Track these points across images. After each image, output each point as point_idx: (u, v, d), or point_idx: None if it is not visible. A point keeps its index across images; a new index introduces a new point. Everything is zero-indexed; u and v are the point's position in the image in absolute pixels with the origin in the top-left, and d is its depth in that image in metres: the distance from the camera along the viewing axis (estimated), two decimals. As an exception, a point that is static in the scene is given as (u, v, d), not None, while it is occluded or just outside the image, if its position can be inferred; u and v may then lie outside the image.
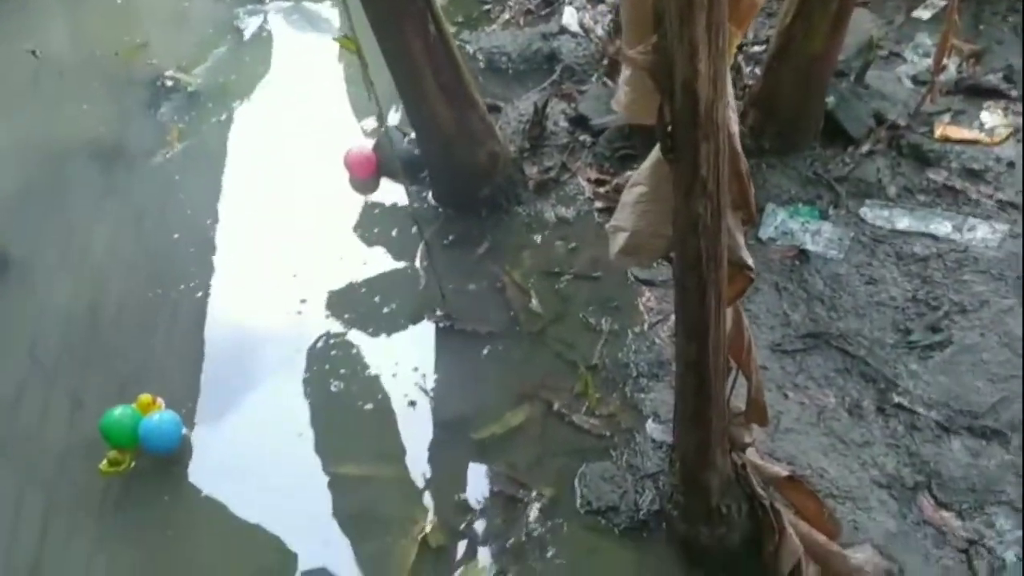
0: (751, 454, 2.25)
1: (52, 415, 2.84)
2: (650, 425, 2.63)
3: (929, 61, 3.62)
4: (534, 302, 3.08)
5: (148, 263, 3.44)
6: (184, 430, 2.68)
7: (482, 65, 4.20)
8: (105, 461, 2.58)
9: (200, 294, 3.27)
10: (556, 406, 2.72)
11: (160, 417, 2.60)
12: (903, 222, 3.09)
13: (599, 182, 3.54)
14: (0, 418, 2.82)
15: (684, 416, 2.12)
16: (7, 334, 3.15)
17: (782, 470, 2.25)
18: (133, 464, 2.61)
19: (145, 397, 2.64)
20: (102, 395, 2.80)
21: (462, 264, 3.26)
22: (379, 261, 3.36)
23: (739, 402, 2.19)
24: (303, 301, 3.20)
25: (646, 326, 2.94)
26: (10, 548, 2.48)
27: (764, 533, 2.22)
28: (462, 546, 2.43)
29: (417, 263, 3.31)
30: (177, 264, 3.41)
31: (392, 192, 3.66)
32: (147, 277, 3.36)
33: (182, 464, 2.65)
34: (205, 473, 2.64)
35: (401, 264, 3.34)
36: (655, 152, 1.88)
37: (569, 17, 4.32)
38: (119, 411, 2.58)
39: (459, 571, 2.37)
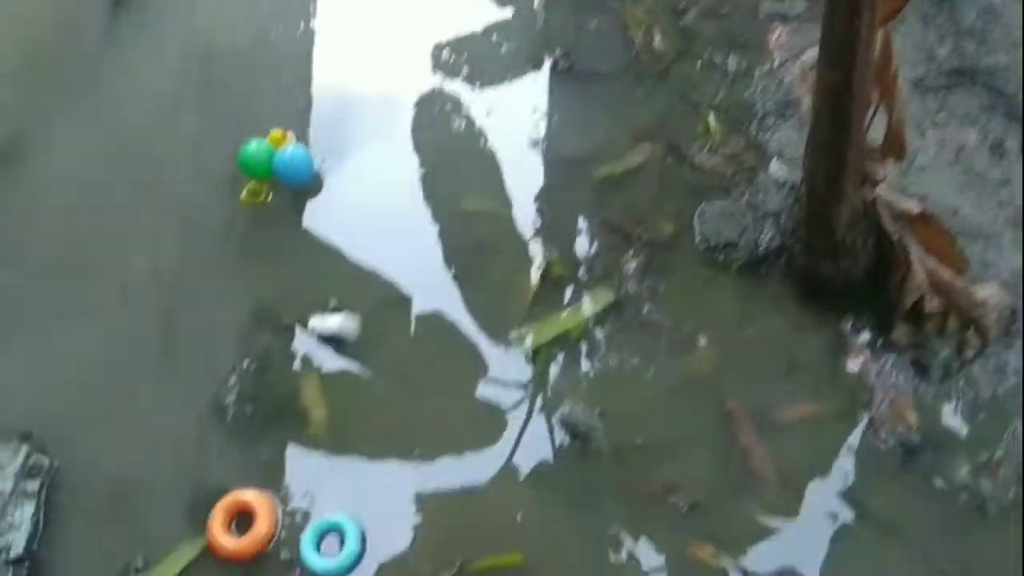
0: (882, 189, 2.21)
1: (180, 155, 2.94)
2: (774, 164, 2.60)
3: None
4: (657, 40, 2.97)
5: (259, 3, 3.44)
6: (315, 165, 2.79)
7: None
8: (245, 192, 2.72)
9: (313, 38, 3.27)
10: (677, 146, 2.70)
11: (292, 150, 2.69)
12: (1075, -54, 2.78)
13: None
14: (129, 157, 2.93)
15: (817, 146, 2.08)
16: (133, 72, 3.21)
17: (914, 206, 2.21)
18: (270, 196, 2.75)
19: (276, 131, 2.72)
20: (226, 136, 2.87)
21: (582, 2, 3.14)
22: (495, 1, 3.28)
23: (874, 135, 2.13)
24: (420, 42, 3.17)
25: (775, 64, 2.82)
26: (153, 278, 2.64)
27: (889, 267, 2.23)
28: (581, 278, 2.53)
29: (535, 2, 3.20)
30: (292, 6, 3.40)
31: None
32: (258, 22, 3.36)
33: (314, 198, 2.77)
34: (334, 207, 2.76)
35: (518, 3, 3.24)
36: None
37: None
38: (254, 144, 2.68)
39: (578, 301, 2.47)
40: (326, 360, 2.42)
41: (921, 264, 2.20)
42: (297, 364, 2.41)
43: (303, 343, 2.44)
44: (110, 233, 2.70)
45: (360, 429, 2.32)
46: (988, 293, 2.24)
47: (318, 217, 2.75)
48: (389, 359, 2.44)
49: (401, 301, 2.55)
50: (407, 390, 2.38)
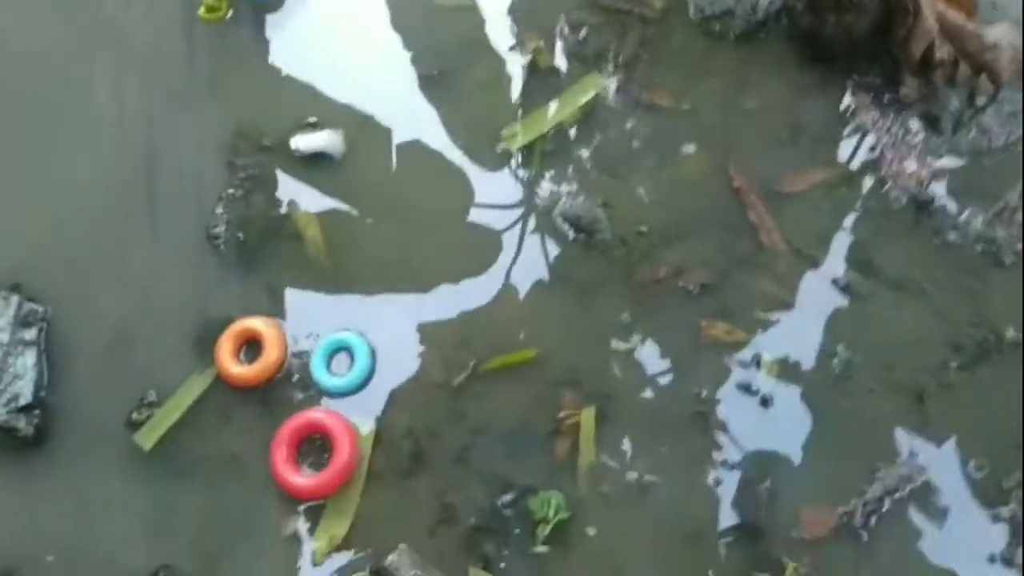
0: (888, -71, 2.05)
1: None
2: (770, -82, 2.41)
3: None
4: None
5: None
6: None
7: None
8: (203, 8, 2.53)
9: None
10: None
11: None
12: None
13: None
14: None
15: None
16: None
17: (922, -57, 2.06)
18: (230, 12, 2.54)
19: (225, -61, 2.50)
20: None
21: None
22: None
23: None
24: None
25: None
26: (123, 118, 2.48)
27: (896, 17, 2.10)
28: (573, 66, 2.39)
29: None
30: None
31: None
32: None
33: (277, 10, 2.56)
34: (300, 18, 2.55)
35: None
36: None
37: None
38: (202, -48, 2.47)
39: (572, 88, 2.34)
40: (313, 179, 2.32)
41: (930, 9, 2.07)
42: (284, 185, 2.31)
43: (287, 164, 2.32)
44: (70, 79, 2.52)
45: (357, 246, 2.25)
46: (999, 34, 2.12)
47: (284, 30, 2.55)
48: (377, 174, 2.33)
49: (383, 112, 2.41)
50: (400, 203, 2.29)
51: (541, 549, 1.91)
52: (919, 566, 1.87)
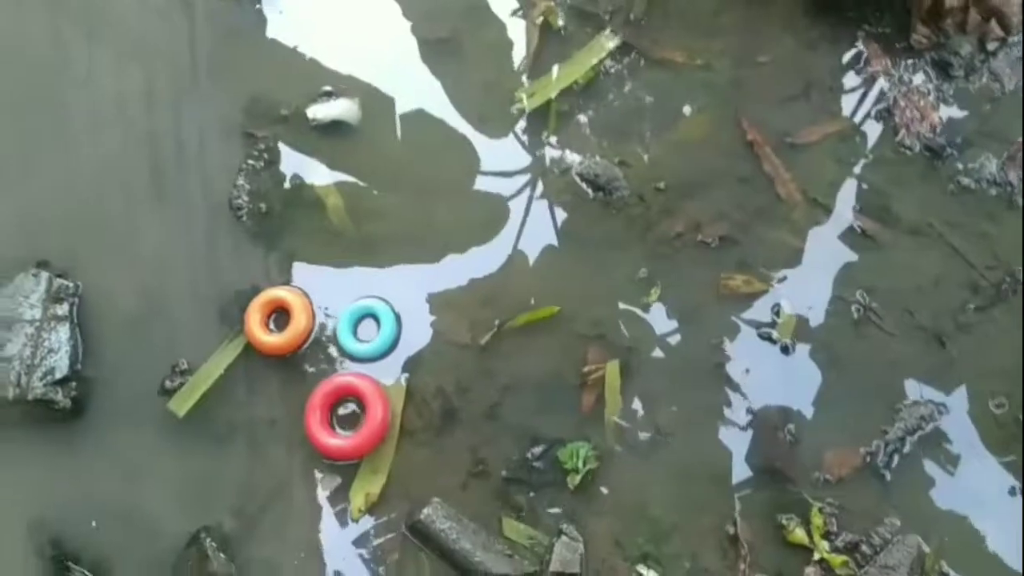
0: None
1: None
2: None
3: None
4: None
5: None
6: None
7: None
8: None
9: None
10: None
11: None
12: None
13: None
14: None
15: None
16: None
17: None
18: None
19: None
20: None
21: None
22: None
23: None
24: None
25: None
26: (129, 98, 2.47)
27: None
28: (584, 25, 2.39)
29: None
30: None
31: None
32: None
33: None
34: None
35: None
36: None
37: None
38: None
39: (584, 47, 2.35)
40: (331, 148, 2.33)
41: (940, -44, 2.09)
42: (302, 155, 2.33)
43: (305, 133, 2.34)
44: (68, 68, 2.50)
45: (377, 212, 2.27)
46: (1010, -15, 2.14)
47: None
48: (395, 140, 2.34)
49: (396, 78, 2.42)
50: (418, 168, 2.31)
51: (572, 498, 1.97)
52: (941, 502, 1.92)
